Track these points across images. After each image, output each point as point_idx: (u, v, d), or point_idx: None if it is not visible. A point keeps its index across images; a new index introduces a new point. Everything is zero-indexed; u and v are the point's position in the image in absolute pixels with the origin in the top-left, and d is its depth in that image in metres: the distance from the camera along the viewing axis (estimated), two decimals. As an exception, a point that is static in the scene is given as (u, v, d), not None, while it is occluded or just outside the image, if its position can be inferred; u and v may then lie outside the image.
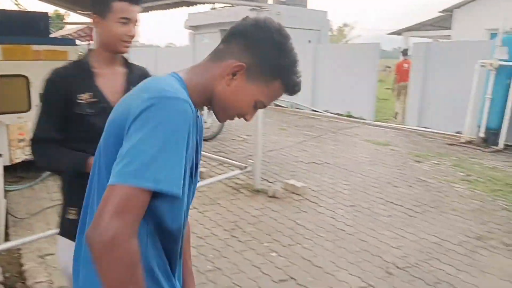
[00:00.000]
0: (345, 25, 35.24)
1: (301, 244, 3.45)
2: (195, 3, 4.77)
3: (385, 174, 5.45)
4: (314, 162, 5.99)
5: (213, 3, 4.32)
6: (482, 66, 7.06)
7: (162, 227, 0.98)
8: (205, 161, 5.80)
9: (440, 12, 16.94)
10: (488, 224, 3.90)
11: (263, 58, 1.02)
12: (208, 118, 7.26)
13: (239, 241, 3.49)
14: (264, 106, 1.09)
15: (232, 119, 1.10)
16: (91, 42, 9.05)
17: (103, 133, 1.02)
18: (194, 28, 14.47)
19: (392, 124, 9.36)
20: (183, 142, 0.89)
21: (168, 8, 5.73)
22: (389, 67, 24.54)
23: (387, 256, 3.25)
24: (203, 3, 4.54)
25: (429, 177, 5.30)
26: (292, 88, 1.07)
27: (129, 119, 0.90)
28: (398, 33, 19.58)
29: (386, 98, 14.09)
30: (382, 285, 2.84)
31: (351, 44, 23.15)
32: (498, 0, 15.04)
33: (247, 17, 1.06)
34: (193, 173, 1.07)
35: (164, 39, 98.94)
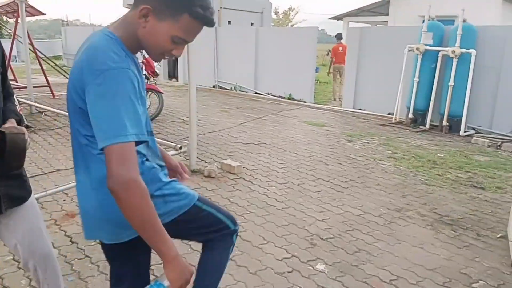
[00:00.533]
0: (290, 9, 35.45)
1: (232, 221, 3.52)
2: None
3: (318, 153, 5.66)
4: (252, 143, 6.09)
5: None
6: (410, 50, 7.46)
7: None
8: (141, 143, 5.71)
9: (378, -2, 17.56)
10: (408, 197, 4.20)
11: None
12: (146, 100, 7.11)
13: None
14: (185, 41, 1.28)
15: (163, 57, 1.32)
16: (18, 17, 8.47)
17: (68, 97, 1.28)
18: (134, 7, 13.93)
19: (329, 106, 9.69)
20: (135, 97, 1.18)
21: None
22: (332, 52, 25.28)
23: (312, 228, 3.42)
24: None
25: (359, 155, 5.59)
26: (202, 19, 1.23)
27: (87, 88, 1.16)
28: (339, 18, 20.08)
29: (327, 81, 14.49)
30: (305, 255, 2.99)
31: (291, 28, 23.43)
32: (431, -11, 15.84)
33: None
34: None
35: (110, 19, 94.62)
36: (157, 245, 1.18)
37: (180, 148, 4.55)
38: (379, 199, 4.10)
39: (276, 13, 34.07)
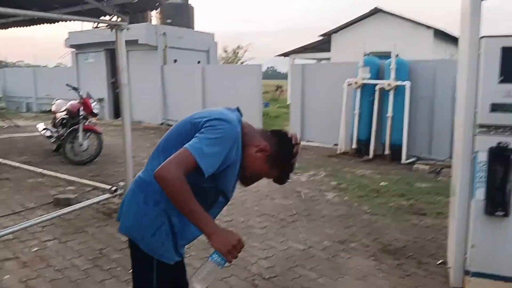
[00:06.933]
0: (239, 47, 36.31)
1: (170, 266, 3.30)
2: (54, 21, 4.47)
3: (264, 187, 5.57)
4: (197, 181, 5.91)
5: (70, 20, 4.11)
6: (349, 84, 7.73)
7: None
8: (77, 187, 5.37)
9: (320, 36, 18.38)
10: (352, 228, 4.17)
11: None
12: (84, 140, 6.80)
13: (102, 269, 3.23)
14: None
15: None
16: None
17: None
18: (77, 47, 13.60)
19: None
20: (228, 146, 1.50)
21: (27, 25, 5.33)
22: (281, 87, 25.86)
23: (254, 268, 3.27)
24: (62, 21, 4.27)
25: (305, 188, 5.57)
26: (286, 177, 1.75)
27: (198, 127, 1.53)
28: (285, 55, 20.76)
29: (278, 115, 14.75)
30: (245, 298, 2.83)
31: (235, 65, 24.03)
32: (367, 27, 16.89)
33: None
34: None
35: (55, 60, 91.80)
36: (197, 223, 1.44)
37: (115, 190, 4.29)
38: (324, 232, 4.04)
39: (225, 51, 34.68)
